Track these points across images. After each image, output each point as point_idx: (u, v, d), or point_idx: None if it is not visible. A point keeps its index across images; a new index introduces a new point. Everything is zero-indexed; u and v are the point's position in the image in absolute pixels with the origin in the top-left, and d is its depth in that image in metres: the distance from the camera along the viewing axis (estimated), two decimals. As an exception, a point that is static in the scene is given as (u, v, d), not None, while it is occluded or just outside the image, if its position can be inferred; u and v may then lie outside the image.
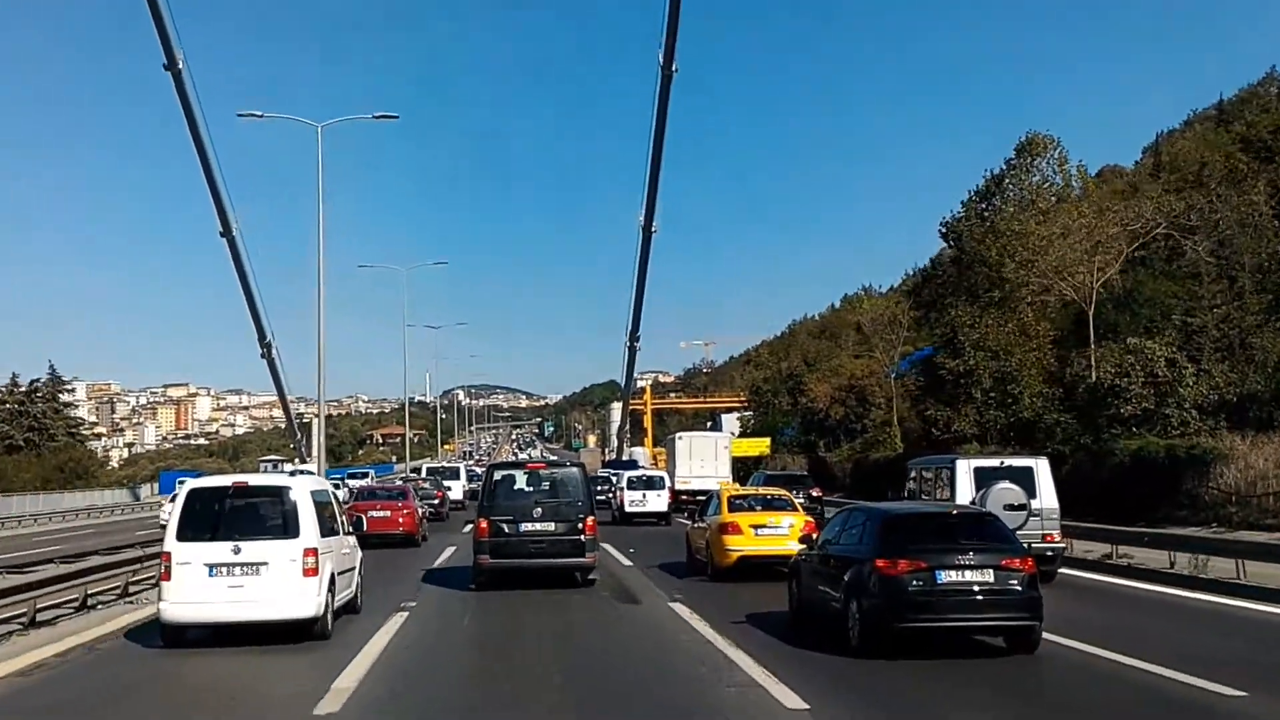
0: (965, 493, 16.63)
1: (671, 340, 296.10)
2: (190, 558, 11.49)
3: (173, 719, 9.12)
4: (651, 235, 51.79)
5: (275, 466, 74.48)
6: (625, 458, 68.22)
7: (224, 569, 11.47)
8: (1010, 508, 15.37)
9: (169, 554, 11.60)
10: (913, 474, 19.23)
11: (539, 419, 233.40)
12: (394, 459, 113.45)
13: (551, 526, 16.41)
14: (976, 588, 9.92)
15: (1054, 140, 40.22)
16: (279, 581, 11.49)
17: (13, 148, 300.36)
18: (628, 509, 34.19)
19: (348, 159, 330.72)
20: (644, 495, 34.60)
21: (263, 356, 55.02)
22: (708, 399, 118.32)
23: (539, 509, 16.52)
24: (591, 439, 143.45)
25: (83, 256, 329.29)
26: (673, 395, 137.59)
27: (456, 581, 17.36)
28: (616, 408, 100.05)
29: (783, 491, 20.59)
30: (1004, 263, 36.72)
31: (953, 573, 9.92)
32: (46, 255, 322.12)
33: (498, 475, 17.63)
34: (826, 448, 58.25)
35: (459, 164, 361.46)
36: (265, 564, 11.52)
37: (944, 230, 44.12)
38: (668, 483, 36.57)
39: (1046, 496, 16.85)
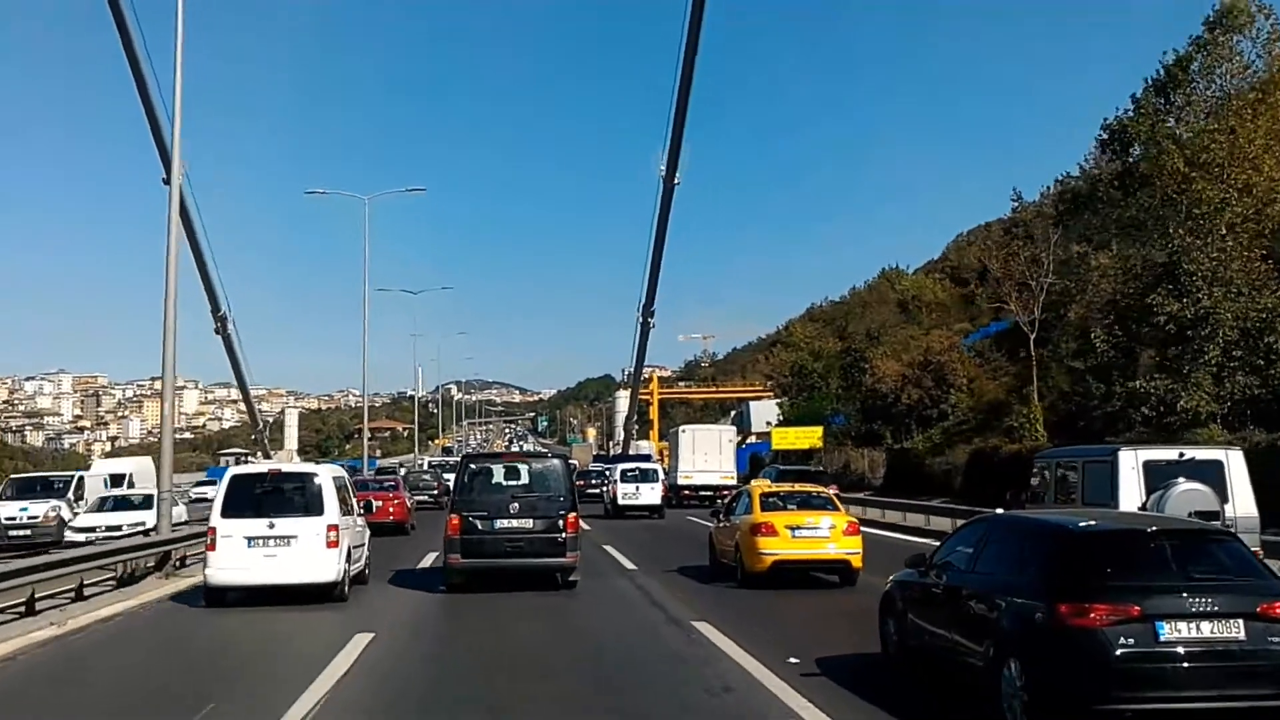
0: (1132, 497, 13.31)
1: (668, 334, 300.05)
2: (232, 531, 14.74)
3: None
4: (674, 188, 47.89)
5: (237, 460, 73.64)
6: (633, 451, 67.62)
7: (260, 541, 14.72)
8: (1199, 517, 12.11)
9: (214, 528, 14.85)
10: (1039, 470, 15.77)
11: (533, 414, 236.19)
12: (379, 454, 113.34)
13: (529, 523, 15.90)
14: (1220, 648, 7.07)
15: (1266, 7, 30.61)
16: (306, 552, 14.74)
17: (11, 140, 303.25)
18: (620, 501, 36.56)
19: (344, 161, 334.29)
20: (637, 488, 36.70)
21: (217, 332, 51.02)
22: (719, 389, 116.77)
23: (516, 504, 16.04)
24: (591, 433, 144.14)
25: (75, 248, 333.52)
26: (681, 385, 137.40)
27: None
28: (621, 396, 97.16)
29: (821, 488, 19.88)
30: (1194, 178, 28.52)
31: (1181, 624, 7.08)
32: (37, 247, 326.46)
33: (473, 467, 17.07)
34: (894, 437, 51.73)
35: (457, 165, 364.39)
36: (295, 537, 14.76)
37: (1106, 136, 36.27)
38: (661, 475, 39.12)
39: (1242, 501, 13.47)
